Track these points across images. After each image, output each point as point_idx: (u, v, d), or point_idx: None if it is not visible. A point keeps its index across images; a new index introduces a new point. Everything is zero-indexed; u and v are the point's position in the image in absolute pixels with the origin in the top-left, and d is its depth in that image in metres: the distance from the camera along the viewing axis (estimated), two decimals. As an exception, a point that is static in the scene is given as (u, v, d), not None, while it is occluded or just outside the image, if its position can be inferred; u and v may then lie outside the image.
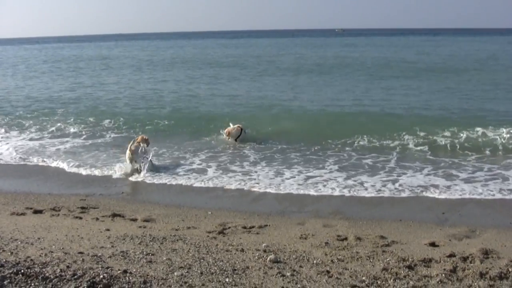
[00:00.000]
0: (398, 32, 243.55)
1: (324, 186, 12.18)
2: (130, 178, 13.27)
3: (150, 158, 14.11)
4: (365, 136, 17.04)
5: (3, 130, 20.17)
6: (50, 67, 53.97)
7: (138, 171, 13.76)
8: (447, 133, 17.21)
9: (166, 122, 20.91)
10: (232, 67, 47.32)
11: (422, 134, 17.20)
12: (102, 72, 46.01)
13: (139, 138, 14.46)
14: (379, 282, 6.27)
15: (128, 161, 14.02)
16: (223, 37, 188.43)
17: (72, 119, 21.64)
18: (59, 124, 20.70)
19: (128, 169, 13.87)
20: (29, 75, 44.61)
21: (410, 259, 7.17)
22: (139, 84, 35.56)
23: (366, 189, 11.91)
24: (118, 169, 13.94)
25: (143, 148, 14.09)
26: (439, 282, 6.32)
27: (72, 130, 19.80)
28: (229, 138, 17.37)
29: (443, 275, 6.53)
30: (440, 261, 7.14)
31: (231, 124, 17.86)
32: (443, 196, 11.35)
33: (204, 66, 48.93)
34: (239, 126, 17.57)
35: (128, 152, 14.05)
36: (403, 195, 11.52)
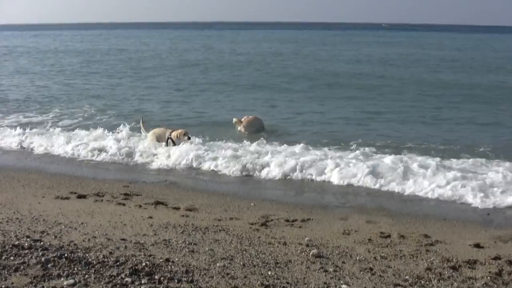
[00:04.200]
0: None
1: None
2: (173, 166, 13.33)
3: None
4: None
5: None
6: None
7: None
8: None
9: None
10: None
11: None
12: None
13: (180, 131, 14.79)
14: (422, 282, 6.15)
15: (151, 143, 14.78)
16: (274, 28, 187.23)
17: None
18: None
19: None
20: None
21: (454, 260, 6.99)
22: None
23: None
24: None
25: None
26: (484, 285, 6.14)
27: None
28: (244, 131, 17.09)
29: (488, 277, 6.36)
30: (485, 263, 6.94)
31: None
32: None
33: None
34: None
35: (151, 135, 14.90)
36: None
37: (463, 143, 15.32)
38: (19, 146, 15.56)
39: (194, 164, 13.29)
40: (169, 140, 14.58)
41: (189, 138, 14.60)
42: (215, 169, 12.93)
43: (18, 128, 16.97)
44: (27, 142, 15.72)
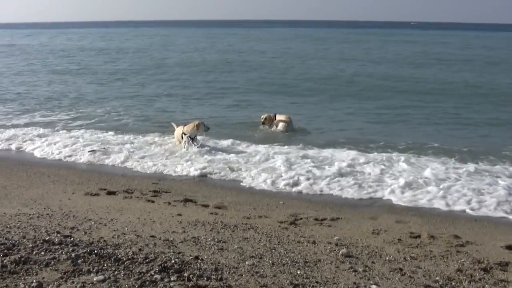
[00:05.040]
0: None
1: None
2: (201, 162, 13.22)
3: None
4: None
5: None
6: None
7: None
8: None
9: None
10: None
11: None
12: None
13: (196, 122, 14.46)
14: (453, 283, 6.06)
15: (177, 141, 14.65)
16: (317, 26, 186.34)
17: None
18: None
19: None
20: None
21: (485, 262, 6.88)
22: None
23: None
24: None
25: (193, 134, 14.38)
26: (516, 288, 6.06)
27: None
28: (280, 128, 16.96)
29: (521, 281, 6.23)
30: (517, 266, 6.82)
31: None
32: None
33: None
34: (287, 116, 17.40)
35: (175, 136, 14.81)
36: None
37: (487, 146, 15.05)
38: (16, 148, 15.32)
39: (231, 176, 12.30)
40: (183, 136, 14.36)
41: (207, 129, 14.57)
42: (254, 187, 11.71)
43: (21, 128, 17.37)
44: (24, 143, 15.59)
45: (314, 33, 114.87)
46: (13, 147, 15.27)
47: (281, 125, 16.91)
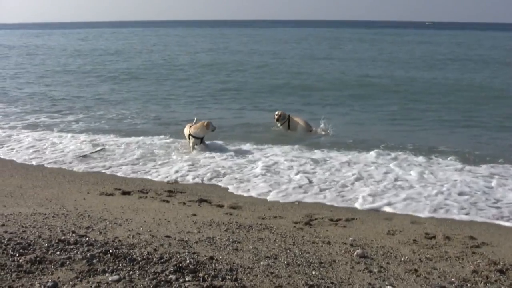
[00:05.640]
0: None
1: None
2: (215, 161, 13.20)
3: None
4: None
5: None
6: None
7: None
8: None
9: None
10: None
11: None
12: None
13: (205, 122, 14.20)
14: (469, 284, 6.01)
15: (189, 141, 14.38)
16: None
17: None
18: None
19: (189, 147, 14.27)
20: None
21: (501, 263, 6.79)
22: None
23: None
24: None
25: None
26: (533, 290, 5.99)
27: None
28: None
29: (537, 283, 6.16)
30: (533, 268, 6.75)
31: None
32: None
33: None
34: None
35: (186, 133, 14.50)
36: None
37: (498, 148, 14.93)
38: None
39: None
40: (190, 137, 14.19)
41: (214, 129, 14.33)
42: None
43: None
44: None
45: (325, 33, 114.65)
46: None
47: (300, 128, 16.86)
